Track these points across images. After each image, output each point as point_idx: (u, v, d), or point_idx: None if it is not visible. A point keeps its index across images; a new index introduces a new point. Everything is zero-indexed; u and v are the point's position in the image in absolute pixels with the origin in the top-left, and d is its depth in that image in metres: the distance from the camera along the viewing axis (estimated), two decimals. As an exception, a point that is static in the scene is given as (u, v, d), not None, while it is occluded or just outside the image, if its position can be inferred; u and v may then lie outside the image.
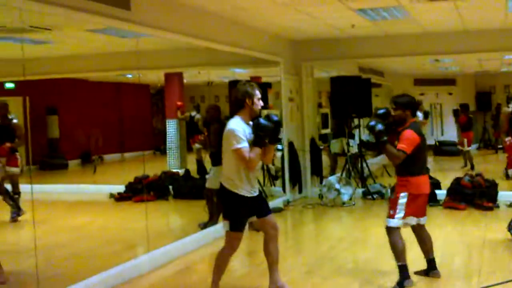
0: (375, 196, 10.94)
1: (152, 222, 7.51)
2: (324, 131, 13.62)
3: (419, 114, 10.62)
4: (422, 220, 5.62)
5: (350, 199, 10.47)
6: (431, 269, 5.79)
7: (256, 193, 5.18)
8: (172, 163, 14.16)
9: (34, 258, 5.67)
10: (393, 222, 5.45)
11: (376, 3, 7.98)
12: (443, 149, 19.02)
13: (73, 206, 11.19)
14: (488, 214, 9.17)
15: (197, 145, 13.73)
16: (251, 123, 5.12)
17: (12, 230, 8.57)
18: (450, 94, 21.05)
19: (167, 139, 14.68)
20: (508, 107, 8.02)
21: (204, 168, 12.61)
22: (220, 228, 8.18)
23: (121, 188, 11.38)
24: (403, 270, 5.47)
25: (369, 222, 9.29)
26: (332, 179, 10.71)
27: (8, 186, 8.95)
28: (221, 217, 8.28)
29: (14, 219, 8.68)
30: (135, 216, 9.22)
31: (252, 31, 9.69)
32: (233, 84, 10.97)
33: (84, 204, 11.32)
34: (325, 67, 12.88)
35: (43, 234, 7.40)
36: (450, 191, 10.05)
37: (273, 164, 11.09)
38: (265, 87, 10.48)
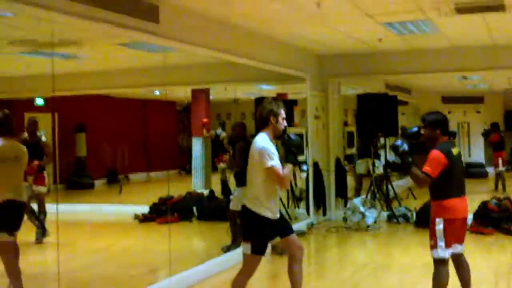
0: (400, 219, 10.80)
1: (175, 245, 7.53)
2: (349, 151, 13.53)
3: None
4: (462, 247, 5.23)
5: (375, 222, 10.36)
6: None
7: (278, 215, 5.11)
8: (196, 183, 14.16)
9: (57, 281, 5.70)
10: (438, 253, 5.07)
11: (403, 16, 7.94)
12: (470, 171, 18.30)
13: (98, 227, 11.26)
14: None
15: (222, 165, 13.74)
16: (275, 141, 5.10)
17: (36, 252, 8.62)
18: (478, 112, 20.77)
19: (193, 158, 14.69)
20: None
21: (229, 188, 12.59)
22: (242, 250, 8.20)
23: (145, 209, 11.42)
24: None
25: (393, 247, 9.20)
26: (357, 201, 10.61)
27: (35, 206, 9.00)
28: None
29: (39, 241, 8.73)
30: (158, 238, 9.25)
31: (278, 46, 9.71)
32: (259, 101, 10.89)
33: (109, 226, 11.38)
34: (351, 83, 12.82)
35: (67, 256, 7.50)
36: (476, 215, 9.89)
37: (296, 185, 11.03)
38: (291, 104, 10.46)
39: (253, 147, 5.01)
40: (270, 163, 4.83)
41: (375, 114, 11.28)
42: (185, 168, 17.95)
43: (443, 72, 11.77)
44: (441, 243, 5.02)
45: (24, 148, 5.92)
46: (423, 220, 10.18)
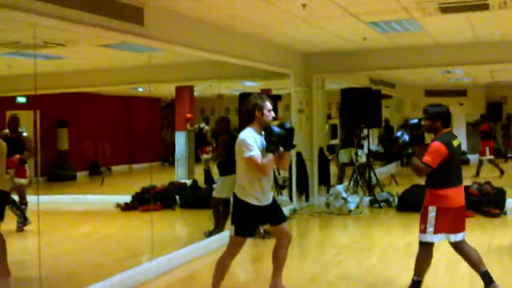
0: (382, 204, 10.87)
1: (158, 231, 7.51)
2: (333, 142, 13.62)
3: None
4: (459, 236, 5.18)
5: (357, 207, 10.41)
6: (489, 284, 5.18)
7: (268, 203, 5.24)
8: (180, 173, 14.16)
9: (38, 266, 5.68)
10: (425, 237, 5.16)
11: (388, 16, 7.94)
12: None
13: (79, 216, 11.22)
14: (495, 221, 9.09)
15: (205, 156, 13.80)
16: (263, 133, 5.21)
17: (18, 240, 8.58)
18: (461, 104, 20.94)
19: (176, 151, 14.71)
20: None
21: (212, 178, 12.67)
22: (225, 236, 8.20)
23: (128, 199, 11.39)
24: (416, 285, 5.25)
25: (375, 229, 9.25)
26: (339, 188, 10.67)
27: (16, 197, 9.01)
28: (228, 224, 8.41)
29: (20, 229, 8.73)
30: (140, 226, 9.23)
31: (263, 44, 9.70)
32: (244, 96, 11.03)
33: (90, 214, 11.32)
34: (336, 79, 12.87)
35: (48, 243, 7.42)
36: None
37: (279, 174, 11.08)
38: (275, 99, 10.46)
39: (237, 140, 5.19)
40: (248, 154, 5.03)
41: (358, 107, 11.36)
42: (168, 160, 17.96)
43: (427, 68, 11.86)
44: (431, 229, 5.10)
45: (3, 143, 6.17)
46: (405, 205, 10.32)
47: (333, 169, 12.75)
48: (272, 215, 5.34)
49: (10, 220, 8.68)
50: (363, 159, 12.40)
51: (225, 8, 7.10)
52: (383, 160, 17.74)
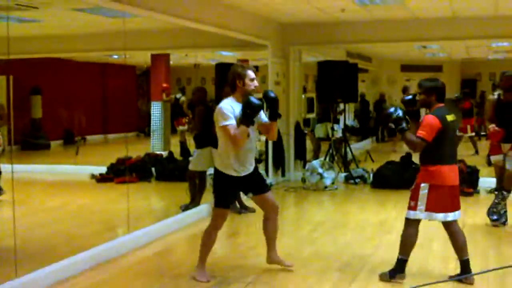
0: (357, 180, 10.96)
1: (134, 204, 7.50)
2: (309, 116, 13.62)
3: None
4: (451, 216, 5.10)
5: (333, 183, 10.47)
6: (465, 272, 5.17)
7: (246, 173, 5.21)
8: (155, 145, 14.11)
9: (13, 237, 5.62)
10: (413, 214, 5.10)
11: None
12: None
13: (54, 187, 11.14)
14: (468, 199, 9.21)
15: (181, 128, 13.73)
16: None
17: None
18: (436, 80, 21.08)
19: (151, 121, 14.61)
20: (493, 94, 8.06)
21: (188, 150, 12.63)
22: (201, 209, 8.23)
23: (103, 170, 11.32)
24: (401, 264, 5.17)
25: (350, 206, 9.33)
26: (315, 163, 10.71)
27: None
28: (204, 198, 8.43)
29: (-6, 198, 8.64)
30: (116, 197, 9.21)
31: (240, 14, 9.62)
32: (220, 66, 10.97)
33: (65, 185, 11.26)
34: (313, 51, 12.84)
35: (22, 214, 7.32)
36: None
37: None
38: (252, 71, 10.45)
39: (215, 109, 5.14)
40: (222, 123, 4.99)
41: (335, 81, 11.32)
42: (144, 130, 17.87)
43: (404, 42, 11.91)
44: (421, 207, 5.04)
45: None
46: (380, 181, 10.44)
47: (309, 144, 12.78)
48: (254, 184, 5.34)
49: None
50: (339, 134, 12.45)
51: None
52: (358, 135, 17.87)
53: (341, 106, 13.11)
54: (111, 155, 11.72)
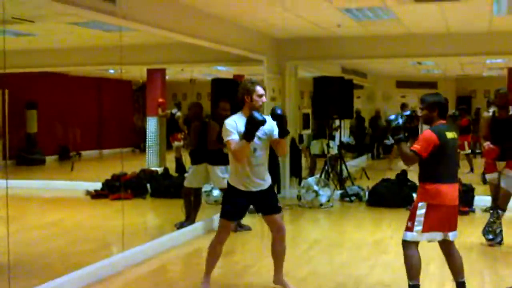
0: (353, 198, 10.93)
1: (129, 221, 7.47)
2: (304, 132, 13.63)
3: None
4: (450, 236, 4.95)
5: (328, 200, 10.45)
6: None
7: (257, 189, 5.24)
8: (151, 161, 14.09)
9: (7, 254, 5.59)
10: (410, 236, 4.91)
11: (361, 2, 7.95)
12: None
13: (49, 203, 11.10)
14: (464, 218, 9.18)
15: (176, 143, 13.73)
16: None
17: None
18: (431, 97, 21.18)
19: (147, 137, 14.60)
20: (488, 111, 8.08)
21: (183, 166, 12.61)
22: (196, 227, 8.20)
23: (98, 186, 11.28)
24: None
25: (346, 224, 9.31)
26: (311, 180, 10.68)
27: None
28: (199, 216, 8.40)
29: (-14, 215, 8.57)
30: (111, 214, 9.17)
31: (236, 29, 9.64)
32: (216, 81, 11.01)
33: (60, 201, 11.21)
34: (308, 67, 12.87)
35: (16, 230, 7.31)
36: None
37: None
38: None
39: None
40: (225, 138, 5.09)
41: (331, 97, 11.36)
42: (139, 146, 17.87)
43: (399, 58, 11.94)
44: (419, 227, 4.87)
45: None
46: (376, 199, 10.42)
47: (304, 161, 12.78)
48: (264, 204, 5.36)
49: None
50: (334, 150, 12.45)
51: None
52: (354, 152, 17.89)
53: (337, 122, 13.13)
54: (106, 171, 11.69)
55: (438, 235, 4.95)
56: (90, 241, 7.82)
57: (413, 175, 12.86)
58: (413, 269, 4.98)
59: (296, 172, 11.82)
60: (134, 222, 8.72)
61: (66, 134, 16.98)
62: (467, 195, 9.86)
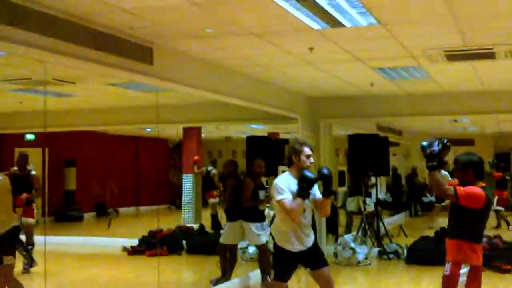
0: (391, 256, 10.71)
1: (164, 277, 7.44)
2: (340, 189, 13.56)
3: (444, 173, 10.44)
4: None
5: (366, 258, 10.27)
6: None
7: (303, 248, 5.23)
8: (187, 217, 14.12)
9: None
10: None
11: (395, 62, 7.98)
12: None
13: (86, 259, 11.15)
14: (506, 276, 8.96)
15: (212, 200, 13.75)
16: None
17: (24, 282, 8.45)
18: (469, 154, 20.93)
19: (183, 194, 14.68)
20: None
21: (219, 223, 12.59)
22: (232, 284, 8.13)
23: (134, 242, 11.29)
24: None
25: (384, 283, 9.11)
26: (348, 237, 10.54)
27: (23, 237, 8.96)
28: (235, 273, 8.35)
29: (26, 270, 8.64)
30: (147, 270, 9.15)
31: (270, 87, 9.73)
32: (251, 139, 11.09)
33: (97, 257, 11.26)
34: (343, 124, 12.88)
35: (54, 286, 7.37)
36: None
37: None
38: (282, 144, 10.51)
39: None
40: (278, 197, 5.05)
41: (366, 154, 11.33)
42: (175, 203, 17.93)
43: (434, 116, 11.81)
44: None
45: (7, 179, 6.19)
46: (414, 257, 10.19)
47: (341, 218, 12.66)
48: (311, 259, 5.33)
49: (16, 261, 8.65)
50: (371, 207, 12.31)
51: (232, 49, 7.11)
52: (391, 209, 17.67)
53: (373, 179, 13.03)
54: (143, 227, 11.77)
55: None
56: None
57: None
58: None
59: (332, 229, 11.68)
60: (170, 279, 8.69)
61: (104, 191, 17.17)
62: (508, 253, 9.64)
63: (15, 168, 8.83)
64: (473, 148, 20.86)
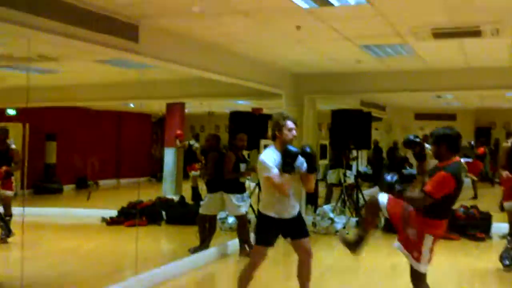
0: (369, 226, 10.83)
1: (143, 246, 7.48)
2: (321, 162, 13.60)
3: (428, 146, 10.54)
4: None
5: (344, 227, 10.39)
6: None
7: (289, 216, 5.30)
8: (167, 189, 14.15)
9: (21, 280, 5.64)
10: (424, 267, 4.66)
11: (381, 40, 7.93)
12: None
13: (64, 230, 11.14)
14: (481, 245, 9.10)
15: (193, 173, 13.78)
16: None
17: (1, 252, 8.53)
18: (449, 128, 21.10)
19: (164, 167, 14.70)
20: (507, 142, 8.10)
21: (199, 195, 12.65)
22: (210, 253, 8.20)
23: (114, 213, 11.33)
24: None
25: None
26: (326, 208, 10.65)
27: (0, 208, 8.97)
28: (213, 242, 8.41)
29: (3, 240, 8.69)
30: (125, 240, 9.18)
31: (255, 64, 9.67)
32: (234, 114, 11.09)
33: (75, 228, 11.25)
34: (327, 100, 12.89)
35: (31, 256, 7.39)
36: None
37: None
38: (265, 119, 10.52)
39: (258, 159, 5.30)
40: (265, 173, 5.10)
41: (349, 129, 11.40)
42: (156, 175, 17.96)
43: (418, 92, 11.83)
44: (426, 259, 4.65)
45: None
46: (391, 226, 10.26)
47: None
48: (293, 229, 5.40)
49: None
50: (351, 179, 12.40)
51: (218, 27, 7.09)
52: (371, 181, 17.78)
53: (354, 153, 13.10)
54: (123, 199, 11.76)
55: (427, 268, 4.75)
56: (103, 266, 7.83)
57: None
58: None
59: (311, 200, 11.76)
60: (148, 248, 8.72)
61: (84, 164, 17.14)
62: (484, 222, 9.80)
63: None
64: (455, 122, 21.01)
